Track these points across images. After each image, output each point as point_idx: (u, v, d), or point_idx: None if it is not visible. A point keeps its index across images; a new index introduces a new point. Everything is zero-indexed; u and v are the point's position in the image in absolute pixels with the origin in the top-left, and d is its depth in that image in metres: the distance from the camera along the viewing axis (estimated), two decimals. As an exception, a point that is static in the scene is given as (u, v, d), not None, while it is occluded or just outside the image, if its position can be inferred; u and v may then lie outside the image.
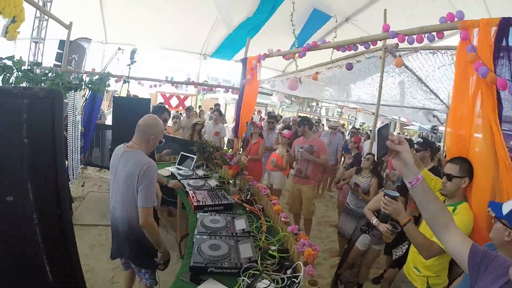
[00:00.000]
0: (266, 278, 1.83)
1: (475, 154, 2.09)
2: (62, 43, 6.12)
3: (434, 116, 11.13)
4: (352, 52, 3.83)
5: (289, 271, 1.91)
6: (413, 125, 18.29)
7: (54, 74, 3.52)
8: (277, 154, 4.77)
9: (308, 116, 12.54)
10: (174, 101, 11.20)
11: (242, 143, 5.53)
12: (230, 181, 3.66)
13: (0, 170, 1.31)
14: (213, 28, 10.39)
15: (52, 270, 1.36)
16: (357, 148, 5.89)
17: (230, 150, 5.29)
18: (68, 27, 5.60)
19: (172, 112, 9.65)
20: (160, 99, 10.79)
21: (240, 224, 2.49)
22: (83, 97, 5.24)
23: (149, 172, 2.14)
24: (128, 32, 9.91)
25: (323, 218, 6.01)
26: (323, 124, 12.65)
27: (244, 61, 5.45)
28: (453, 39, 4.52)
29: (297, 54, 4.36)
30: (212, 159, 4.41)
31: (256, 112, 12.66)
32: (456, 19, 2.36)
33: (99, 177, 6.98)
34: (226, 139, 7.40)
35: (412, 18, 6.02)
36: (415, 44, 3.00)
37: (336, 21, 9.06)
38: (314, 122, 8.11)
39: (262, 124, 6.48)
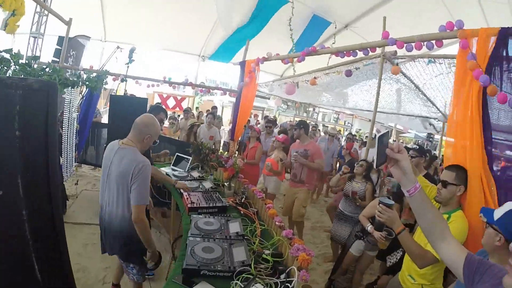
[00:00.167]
0: (260, 283, 1.81)
1: (469, 162, 2.10)
2: (61, 40, 6.08)
3: (430, 124, 11.17)
4: (351, 58, 3.84)
5: (282, 276, 1.90)
6: (409, 132, 18.38)
7: (51, 70, 3.49)
8: (272, 159, 4.77)
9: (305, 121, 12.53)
10: (171, 102, 11.18)
11: (238, 146, 5.51)
12: (225, 183, 3.64)
13: (-11, 164, 1.28)
14: (212, 30, 10.39)
15: (41, 269, 1.33)
16: (349, 155, 5.90)
17: (226, 152, 5.28)
18: (68, 23, 5.57)
19: (169, 113, 9.62)
20: (157, 100, 10.76)
21: (234, 227, 2.48)
22: (80, 94, 5.21)
23: (143, 170, 2.15)
24: (128, 31, 9.87)
25: (317, 223, 6.00)
26: (319, 130, 12.66)
27: (242, 64, 5.44)
28: (450, 48, 4.58)
29: (295, 59, 4.37)
30: (207, 161, 4.39)
31: (252, 116, 12.66)
32: (455, 28, 2.38)
33: (93, 175, 6.93)
34: (222, 142, 7.36)
35: (410, 26, 6.06)
36: (413, 52, 3.02)
37: (336, 28, 9.10)
38: (311, 127, 8.12)
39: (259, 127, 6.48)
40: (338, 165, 7.92)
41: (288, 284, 1.80)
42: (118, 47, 6.48)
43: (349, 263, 3.51)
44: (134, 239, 2.24)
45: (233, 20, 8.99)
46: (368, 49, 3.36)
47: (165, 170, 4.09)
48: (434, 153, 9.18)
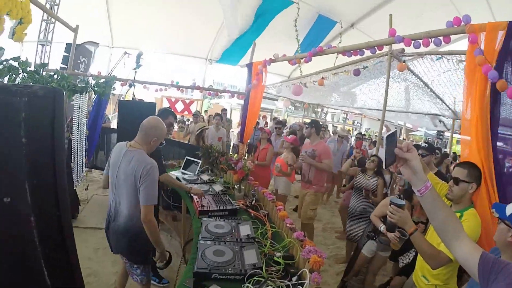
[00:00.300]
0: (271, 285, 1.80)
1: (483, 159, 2.07)
2: (68, 46, 6.17)
3: (440, 121, 11.05)
4: (358, 57, 3.82)
5: (294, 278, 1.88)
6: (419, 130, 18.18)
7: (60, 77, 3.54)
8: (281, 160, 4.75)
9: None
10: (179, 106, 11.20)
11: (247, 148, 5.51)
12: (235, 186, 3.64)
13: (-3, 170, 1.29)
14: (218, 33, 10.42)
15: (50, 273, 1.33)
16: (361, 153, 5.85)
17: (235, 155, 5.28)
18: (75, 30, 5.64)
19: (178, 116, 9.66)
20: (166, 104, 10.80)
21: (245, 229, 2.47)
22: (89, 100, 5.27)
23: (151, 172, 2.20)
24: (134, 36, 9.95)
25: (328, 224, 5.96)
26: (328, 130, 12.59)
27: (249, 66, 5.45)
28: (458, 44, 4.53)
29: (302, 60, 4.36)
30: (217, 164, 4.40)
31: (261, 117, 12.65)
32: (462, 23, 2.34)
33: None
34: (232, 144, 7.37)
35: (416, 23, 6.00)
36: (421, 49, 2.98)
37: (342, 27, 9.06)
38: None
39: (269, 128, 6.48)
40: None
41: (300, 287, 1.78)
42: (125, 53, 6.54)
43: (361, 264, 3.48)
44: (139, 239, 2.28)
45: (239, 24, 9.00)
46: (375, 47, 3.34)
47: (175, 173, 4.11)
48: (445, 151, 9.08)
